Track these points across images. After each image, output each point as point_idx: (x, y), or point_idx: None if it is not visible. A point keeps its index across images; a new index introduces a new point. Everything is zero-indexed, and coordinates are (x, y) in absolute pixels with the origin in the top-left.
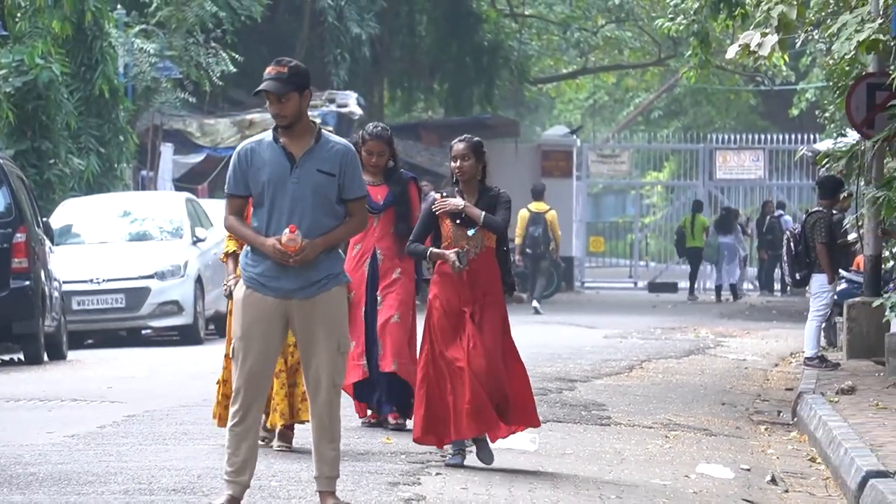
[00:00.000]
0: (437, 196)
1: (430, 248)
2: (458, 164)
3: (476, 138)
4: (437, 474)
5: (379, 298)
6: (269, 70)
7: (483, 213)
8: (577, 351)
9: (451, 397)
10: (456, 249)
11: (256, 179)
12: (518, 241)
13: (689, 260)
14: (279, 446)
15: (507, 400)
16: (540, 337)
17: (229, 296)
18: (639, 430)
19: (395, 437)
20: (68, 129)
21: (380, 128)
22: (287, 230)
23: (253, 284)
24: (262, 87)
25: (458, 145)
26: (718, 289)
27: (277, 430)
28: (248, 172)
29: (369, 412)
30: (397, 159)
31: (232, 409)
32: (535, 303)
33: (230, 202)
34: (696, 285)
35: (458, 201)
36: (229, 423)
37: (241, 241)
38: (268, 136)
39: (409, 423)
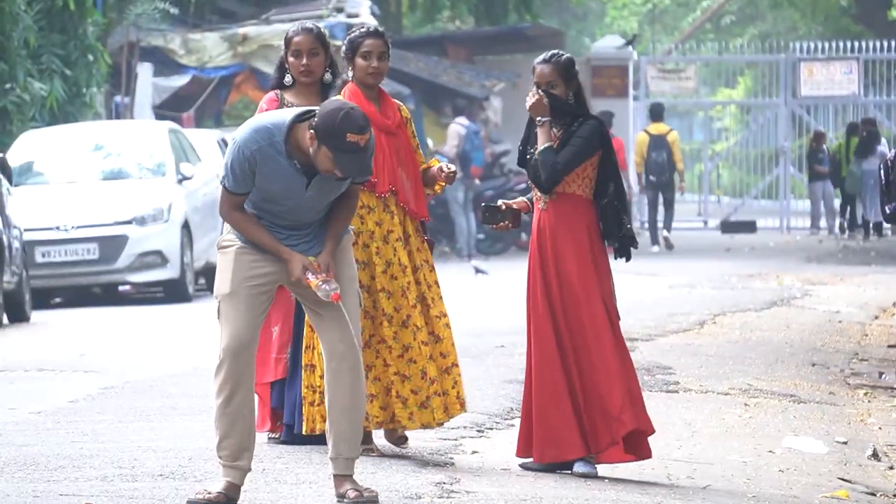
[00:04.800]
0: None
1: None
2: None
3: (565, 56)
4: (474, 452)
5: None
6: (357, 139)
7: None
8: (637, 304)
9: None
10: (321, 278)
11: (265, 187)
12: (638, 168)
13: (843, 191)
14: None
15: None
16: None
17: None
18: (713, 397)
19: None
20: (27, 47)
21: (308, 23)
22: (320, 279)
23: (248, 243)
24: (359, 177)
25: (542, 68)
26: (868, 225)
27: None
28: (256, 177)
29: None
30: (336, 70)
31: (219, 379)
32: (665, 233)
33: (230, 198)
34: (844, 219)
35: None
36: (217, 401)
37: None
38: (280, 140)
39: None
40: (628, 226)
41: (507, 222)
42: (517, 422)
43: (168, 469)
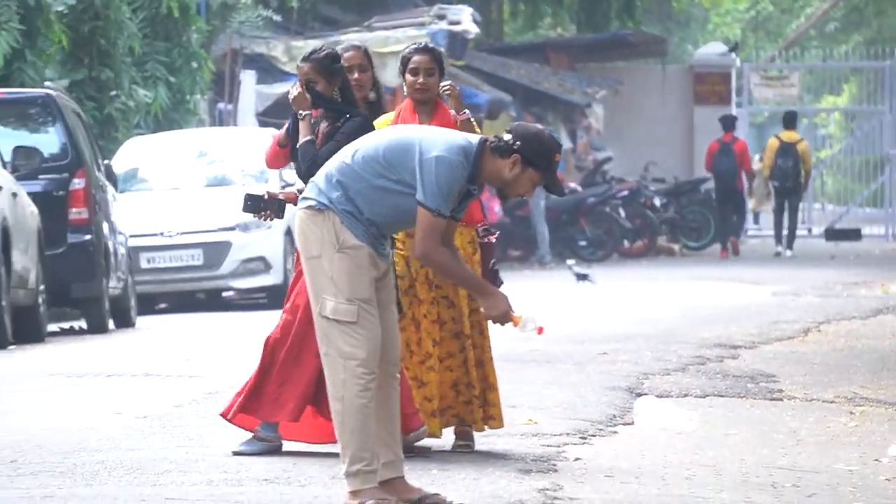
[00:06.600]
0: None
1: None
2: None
3: (324, 52)
4: (577, 459)
5: None
6: (559, 158)
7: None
8: (741, 311)
9: None
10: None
11: None
12: (766, 173)
13: None
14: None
15: None
16: (695, 295)
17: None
18: (817, 405)
19: (538, 416)
20: (132, 54)
21: (356, 40)
22: (534, 325)
23: (373, 242)
24: (560, 194)
25: (302, 66)
26: None
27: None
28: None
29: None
30: (380, 89)
31: (362, 383)
32: (788, 252)
33: (440, 225)
34: None
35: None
36: (362, 401)
37: None
38: (471, 162)
39: None
40: None
41: (269, 212)
42: (620, 429)
43: (273, 474)
